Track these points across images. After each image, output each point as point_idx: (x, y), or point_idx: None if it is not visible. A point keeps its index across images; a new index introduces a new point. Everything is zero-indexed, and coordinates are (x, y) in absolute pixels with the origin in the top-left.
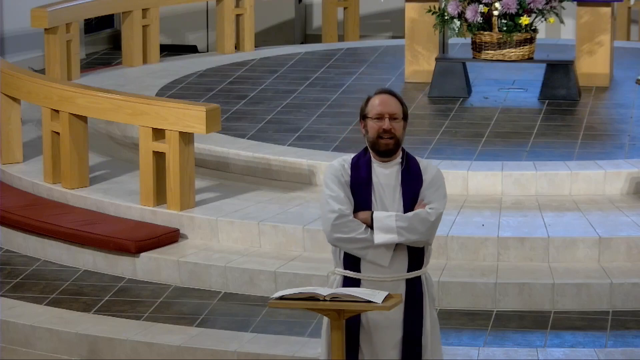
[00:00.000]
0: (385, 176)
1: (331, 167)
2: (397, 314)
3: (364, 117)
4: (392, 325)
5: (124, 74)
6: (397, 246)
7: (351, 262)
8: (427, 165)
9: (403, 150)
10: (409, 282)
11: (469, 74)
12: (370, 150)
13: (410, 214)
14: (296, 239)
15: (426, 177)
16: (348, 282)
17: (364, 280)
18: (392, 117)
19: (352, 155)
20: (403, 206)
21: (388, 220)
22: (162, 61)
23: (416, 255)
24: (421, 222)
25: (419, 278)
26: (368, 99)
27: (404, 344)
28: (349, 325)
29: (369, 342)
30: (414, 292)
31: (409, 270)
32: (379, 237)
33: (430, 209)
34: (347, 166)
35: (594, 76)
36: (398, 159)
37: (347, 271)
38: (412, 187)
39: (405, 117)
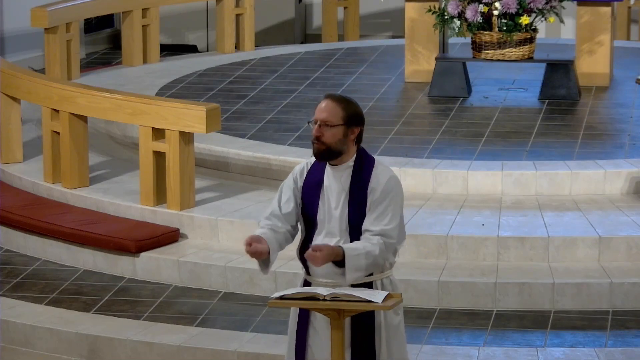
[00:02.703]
0: (335, 180)
1: (295, 167)
2: (347, 319)
3: None
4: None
5: (124, 73)
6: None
7: (304, 263)
8: (380, 173)
9: (360, 154)
10: (356, 287)
11: (469, 73)
12: None
13: (368, 249)
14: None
15: (374, 186)
16: (306, 283)
17: (313, 282)
18: (324, 123)
19: None
20: (348, 211)
21: (357, 259)
22: (162, 61)
23: None
24: (386, 250)
25: (369, 284)
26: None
27: (352, 347)
28: (299, 323)
29: (318, 343)
30: None
31: None
32: (350, 276)
33: (381, 236)
34: (306, 169)
35: (594, 76)
36: (349, 163)
37: (305, 273)
38: (358, 193)
39: (349, 123)
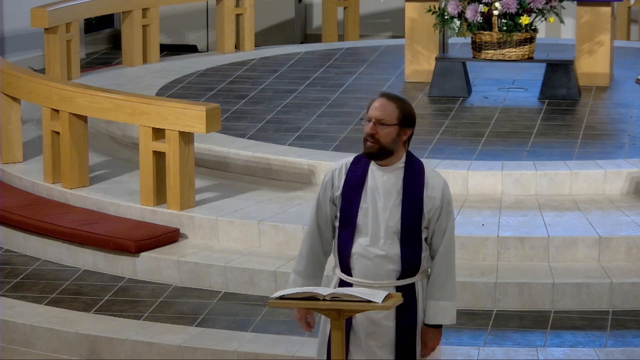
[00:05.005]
0: (384, 181)
1: (331, 168)
2: (389, 320)
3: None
4: (384, 332)
5: (124, 73)
6: (388, 257)
7: (344, 265)
8: (432, 177)
9: (409, 156)
10: (401, 289)
11: (469, 73)
12: None
13: (445, 271)
14: (296, 239)
15: (431, 194)
16: (343, 283)
17: (355, 284)
18: (379, 122)
19: (356, 154)
20: (401, 213)
21: (450, 306)
22: (162, 61)
23: (410, 265)
24: (452, 265)
25: (412, 285)
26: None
27: (397, 351)
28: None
29: (359, 347)
30: (407, 299)
31: (399, 278)
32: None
33: (446, 249)
34: (345, 169)
35: (594, 76)
36: (399, 164)
37: (342, 274)
38: (412, 196)
39: (402, 123)
